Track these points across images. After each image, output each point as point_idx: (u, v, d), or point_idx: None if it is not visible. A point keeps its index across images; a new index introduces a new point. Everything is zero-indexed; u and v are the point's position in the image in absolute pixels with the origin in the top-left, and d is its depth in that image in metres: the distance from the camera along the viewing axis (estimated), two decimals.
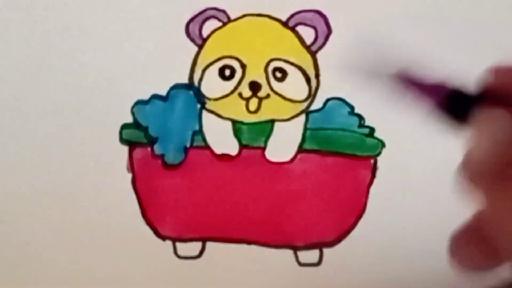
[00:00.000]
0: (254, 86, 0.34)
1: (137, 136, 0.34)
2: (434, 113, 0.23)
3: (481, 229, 0.20)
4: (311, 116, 0.34)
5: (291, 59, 0.34)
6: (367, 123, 0.34)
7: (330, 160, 0.34)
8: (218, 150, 0.34)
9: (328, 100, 0.34)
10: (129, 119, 0.34)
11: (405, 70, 0.26)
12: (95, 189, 0.35)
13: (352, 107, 0.34)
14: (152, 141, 0.34)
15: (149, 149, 0.34)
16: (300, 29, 0.34)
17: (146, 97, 0.35)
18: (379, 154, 0.34)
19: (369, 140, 0.34)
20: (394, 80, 0.25)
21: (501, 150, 0.19)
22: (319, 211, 0.34)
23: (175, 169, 0.34)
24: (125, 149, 0.34)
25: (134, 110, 0.34)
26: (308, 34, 0.34)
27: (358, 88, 0.34)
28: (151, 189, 0.34)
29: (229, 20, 0.35)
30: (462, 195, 0.20)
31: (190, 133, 0.34)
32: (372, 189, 0.34)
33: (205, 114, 0.34)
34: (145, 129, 0.34)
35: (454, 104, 0.23)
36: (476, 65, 0.32)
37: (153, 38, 0.35)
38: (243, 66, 0.34)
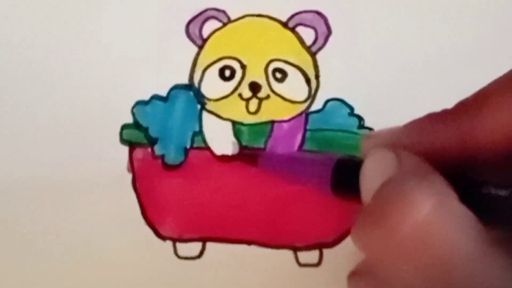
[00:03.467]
0: (254, 87, 0.34)
1: (137, 136, 0.34)
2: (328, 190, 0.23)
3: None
4: (311, 117, 0.34)
5: (291, 60, 0.34)
6: (366, 124, 0.34)
7: None
8: (218, 151, 0.34)
9: (328, 101, 0.34)
10: (129, 120, 0.35)
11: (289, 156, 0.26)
12: (95, 189, 0.35)
13: (352, 108, 0.34)
14: (152, 142, 0.34)
15: (149, 149, 0.34)
16: (300, 29, 0.34)
17: (146, 97, 0.35)
18: None
19: None
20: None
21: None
22: (319, 212, 0.34)
23: (175, 169, 0.34)
24: (125, 149, 0.35)
25: (134, 110, 0.34)
26: (308, 34, 0.34)
27: (358, 89, 0.34)
28: (151, 190, 0.34)
29: (229, 21, 0.35)
30: None
31: (190, 133, 0.34)
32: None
33: (205, 114, 0.34)
34: (145, 130, 0.34)
35: (342, 176, 0.22)
36: (476, 64, 0.32)
37: (153, 38, 0.35)
38: (243, 66, 0.34)
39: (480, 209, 0.18)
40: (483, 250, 0.18)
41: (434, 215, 0.18)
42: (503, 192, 0.19)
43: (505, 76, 0.21)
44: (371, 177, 0.20)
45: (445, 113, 0.22)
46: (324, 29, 0.34)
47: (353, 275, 0.22)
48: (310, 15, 0.34)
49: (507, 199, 0.19)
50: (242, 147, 0.34)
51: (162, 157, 0.34)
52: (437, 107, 0.34)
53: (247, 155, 0.32)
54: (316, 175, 0.23)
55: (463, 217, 0.18)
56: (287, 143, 0.34)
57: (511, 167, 0.20)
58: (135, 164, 0.35)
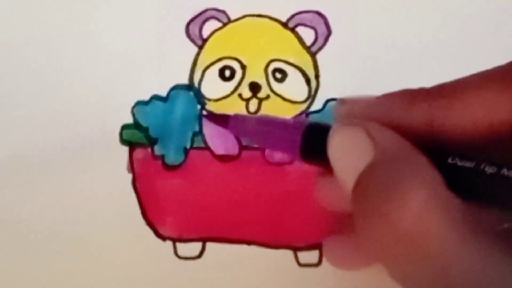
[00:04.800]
0: (254, 87, 0.34)
1: (137, 136, 0.34)
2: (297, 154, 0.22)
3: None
4: (311, 117, 0.34)
5: (291, 60, 0.34)
6: None
7: None
8: (218, 151, 0.34)
9: (328, 101, 0.34)
10: (129, 120, 0.35)
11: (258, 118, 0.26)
12: (95, 189, 0.35)
13: None
14: (152, 142, 0.34)
15: (149, 149, 0.34)
16: (300, 30, 0.34)
17: (146, 97, 0.35)
18: None
19: None
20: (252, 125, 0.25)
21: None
22: (319, 212, 0.34)
23: (175, 169, 0.34)
24: (125, 149, 0.35)
25: (134, 110, 0.34)
26: (308, 35, 0.34)
27: (358, 89, 0.34)
28: (151, 190, 0.34)
29: (229, 21, 0.35)
30: None
31: (190, 134, 0.34)
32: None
33: (205, 114, 0.34)
34: (145, 130, 0.34)
35: (312, 142, 0.22)
36: (477, 64, 0.32)
37: (153, 38, 0.35)
38: (243, 67, 0.34)
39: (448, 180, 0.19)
40: (472, 238, 0.18)
41: (426, 208, 0.18)
42: (468, 164, 0.19)
43: (487, 72, 0.21)
44: (344, 155, 0.20)
45: (420, 91, 0.22)
46: (324, 29, 0.34)
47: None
48: (310, 15, 0.34)
49: (473, 170, 0.19)
50: (242, 147, 0.34)
51: (162, 157, 0.34)
52: None
53: (218, 116, 0.32)
54: (286, 138, 0.22)
55: (453, 205, 0.18)
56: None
57: (476, 153, 0.20)
58: (135, 164, 0.35)
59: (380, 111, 0.21)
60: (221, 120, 0.27)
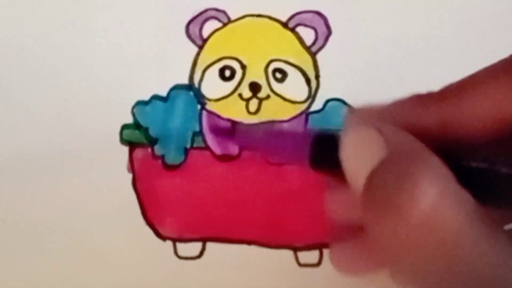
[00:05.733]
0: (254, 87, 0.34)
1: (137, 136, 0.34)
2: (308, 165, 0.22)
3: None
4: (311, 117, 0.34)
5: (291, 60, 0.34)
6: None
7: None
8: (218, 151, 0.34)
9: (328, 101, 0.34)
10: (129, 120, 0.35)
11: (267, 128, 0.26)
12: (95, 189, 0.35)
13: None
14: (152, 142, 0.34)
15: (149, 149, 0.34)
16: (300, 30, 0.34)
17: (146, 97, 0.35)
18: None
19: None
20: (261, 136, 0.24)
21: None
22: (319, 212, 0.34)
23: (176, 169, 0.34)
24: (125, 149, 0.35)
25: (135, 110, 0.35)
26: (308, 35, 0.34)
27: (358, 89, 0.34)
28: (151, 190, 0.34)
29: (229, 21, 0.35)
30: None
31: (190, 133, 0.34)
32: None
33: (205, 115, 0.34)
34: (145, 130, 0.34)
35: (321, 151, 0.22)
36: (478, 62, 0.32)
37: (153, 38, 0.35)
38: (243, 67, 0.34)
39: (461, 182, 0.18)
40: (486, 232, 0.18)
41: (440, 201, 0.18)
42: (482, 165, 0.19)
43: (492, 67, 0.21)
44: (356, 155, 0.20)
45: (429, 96, 0.22)
46: (324, 29, 0.34)
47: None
48: (310, 15, 0.34)
49: (487, 172, 0.19)
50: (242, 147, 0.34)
51: (162, 157, 0.34)
52: None
53: (222, 129, 0.32)
54: (295, 148, 0.22)
55: (464, 199, 0.18)
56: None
57: (490, 154, 0.20)
58: (135, 164, 0.35)
59: (391, 117, 0.21)
60: (226, 132, 0.27)
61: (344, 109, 0.34)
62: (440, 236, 0.17)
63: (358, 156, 0.20)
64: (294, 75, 0.34)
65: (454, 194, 0.18)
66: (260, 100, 0.34)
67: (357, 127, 0.21)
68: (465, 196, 0.18)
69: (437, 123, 0.21)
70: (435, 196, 0.18)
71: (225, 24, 0.35)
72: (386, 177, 0.19)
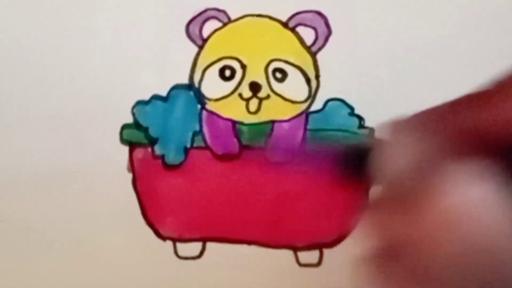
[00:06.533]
0: (254, 87, 0.34)
1: (137, 136, 0.34)
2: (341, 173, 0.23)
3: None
4: (311, 117, 0.34)
5: (291, 60, 0.34)
6: (366, 124, 0.34)
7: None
8: (218, 151, 0.34)
9: (328, 101, 0.34)
10: (129, 120, 0.35)
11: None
12: (95, 189, 0.35)
13: (352, 108, 0.34)
14: (152, 142, 0.34)
15: (149, 149, 0.34)
16: (300, 29, 0.34)
17: (146, 97, 0.35)
18: None
19: None
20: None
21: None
22: (319, 212, 0.34)
23: (176, 169, 0.34)
24: (125, 149, 0.35)
25: (135, 110, 0.34)
26: (308, 34, 0.34)
27: (358, 89, 0.34)
28: (152, 190, 0.34)
29: (230, 21, 0.35)
30: None
31: (190, 133, 0.34)
32: (372, 190, 0.34)
33: (205, 114, 0.34)
34: (145, 130, 0.34)
35: (352, 161, 0.22)
36: (476, 63, 0.32)
37: (153, 38, 0.35)
38: (243, 66, 0.34)
39: None
40: None
41: (483, 196, 0.17)
42: None
43: None
44: (397, 158, 0.20)
45: (468, 99, 0.21)
46: (324, 29, 0.34)
47: (374, 260, 0.22)
48: (310, 15, 0.34)
49: None
50: (242, 147, 0.34)
51: (162, 157, 0.34)
52: None
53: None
54: (326, 160, 0.23)
55: (500, 202, 0.18)
56: (287, 143, 0.34)
57: None
58: (135, 164, 0.35)
59: (433, 124, 0.21)
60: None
61: (344, 109, 0.34)
62: (480, 234, 0.17)
63: (398, 159, 0.20)
64: (294, 75, 0.34)
65: (497, 195, 0.18)
66: (260, 100, 0.34)
67: (396, 132, 0.21)
68: (509, 198, 0.18)
69: (480, 126, 0.20)
70: (477, 193, 0.18)
71: (225, 24, 0.35)
72: (419, 175, 0.19)
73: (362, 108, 0.34)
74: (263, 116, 0.34)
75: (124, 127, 0.35)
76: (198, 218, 0.34)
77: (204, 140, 0.34)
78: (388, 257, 0.20)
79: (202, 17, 0.35)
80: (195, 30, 0.35)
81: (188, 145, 0.34)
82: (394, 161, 0.21)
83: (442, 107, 0.22)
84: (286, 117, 0.34)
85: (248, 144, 0.34)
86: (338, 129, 0.34)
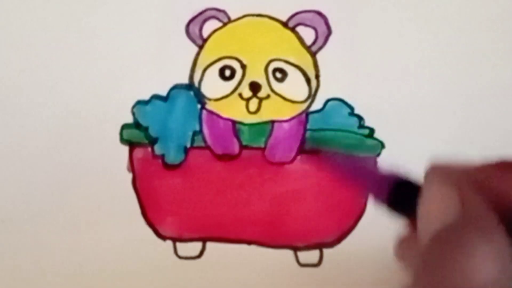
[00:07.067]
0: (254, 87, 0.34)
1: (137, 136, 0.34)
2: (381, 204, 0.23)
3: None
4: (311, 116, 0.34)
5: (291, 60, 0.34)
6: (367, 123, 0.34)
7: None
8: (218, 151, 0.34)
9: (328, 100, 0.34)
10: (129, 119, 0.35)
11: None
12: (95, 189, 0.35)
13: (352, 108, 0.34)
14: (152, 141, 0.34)
15: (149, 149, 0.34)
16: (300, 29, 0.34)
17: (146, 97, 0.35)
18: (378, 154, 0.34)
19: (369, 141, 0.34)
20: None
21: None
22: (319, 212, 0.34)
23: (175, 169, 0.34)
24: (125, 149, 0.35)
25: (135, 110, 0.34)
26: (308, 34, 0.34)
27: (358, 89, 0.34)
28: (151, 189, 0.34)
29: (229, 21, 0.35)
30: None
31: (190, 133, 0.34)
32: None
33: (205, 114, 0.34)
34: (145, 129, 0.34)
35: (399, 197, 0.23)
36: (475, 64, 0.32)
37: (153, 38, 0.35)
38: (243, 66, 0.34)
39: None
40: None
41: (494, 283, 0.17)
42: None
43: None
44: (430, 210, 0.20)
45: None
46: (324, 29, 0.34)
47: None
48: (310, 15, 0.34)
49: None
50: (242, 147, 0.34)
51: (162, 156, 0.34)
52: (437, 106, 0.34)
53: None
54: (374, 186, 0.23)
55: None
56: (287, 143, 0.34)
57: None
58: (135, 164, 0.34)
59: (473, 178, 0.21)
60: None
61: (344, 108, 0.34)
62: None
63: (432, 211, 0.20)
64: (294, 75, 0.34)
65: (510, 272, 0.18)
66: (260, 100, 0.34)
67: (438, 183, 0.21)
68: None
69: None
70: (489, 278, 0.17)
71: (225, 24, 0.35)
72: (446, 244, 0.19)
73: (362, 108, 0.34)
74: (263, 116, 0.34)
75: (124, 127, 0.35)
76: (198, 218, 0.34)
77: (204, 140, 0.34)
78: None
79: (202, 17, 0.35)
80: (195, 30, 0.35)
81: (188, 145, 0.34)
82: (427, 211, 0.21)
83: (488, 168, 0.21)
84: (286, 117, 0.34)
85: (248, 144, 0.34)
86: (338, 129, 0.34)
